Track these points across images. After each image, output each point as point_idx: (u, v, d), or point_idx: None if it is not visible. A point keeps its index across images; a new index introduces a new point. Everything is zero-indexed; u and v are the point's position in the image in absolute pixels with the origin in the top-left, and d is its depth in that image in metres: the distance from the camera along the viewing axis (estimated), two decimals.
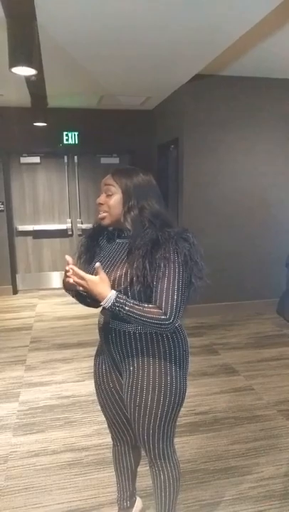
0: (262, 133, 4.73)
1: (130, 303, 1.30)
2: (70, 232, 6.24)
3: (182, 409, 2.86)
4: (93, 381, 1.69)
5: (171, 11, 2.72)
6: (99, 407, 2.77)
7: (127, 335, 1.44)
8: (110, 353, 1.52)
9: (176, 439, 2.50)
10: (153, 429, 1.48)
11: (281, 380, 3.26)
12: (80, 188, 6.15)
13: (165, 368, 1.44)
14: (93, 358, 1.69)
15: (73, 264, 1.35)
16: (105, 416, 1.69)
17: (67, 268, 1.34)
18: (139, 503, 1.90)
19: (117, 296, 1.29)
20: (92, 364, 1.70)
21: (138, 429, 1.51)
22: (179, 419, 2.71)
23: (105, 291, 1.29)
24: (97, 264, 1.33)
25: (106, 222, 1.47)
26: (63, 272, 1.41)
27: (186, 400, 3.01)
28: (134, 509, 1.86)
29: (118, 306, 1.29)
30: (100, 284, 1.29)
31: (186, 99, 4.58)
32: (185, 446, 2.47)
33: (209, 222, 4.74)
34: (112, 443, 1.81)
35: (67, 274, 1.35)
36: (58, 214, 6.20)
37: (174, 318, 1.32)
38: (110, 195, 1.44)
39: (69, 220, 6.19)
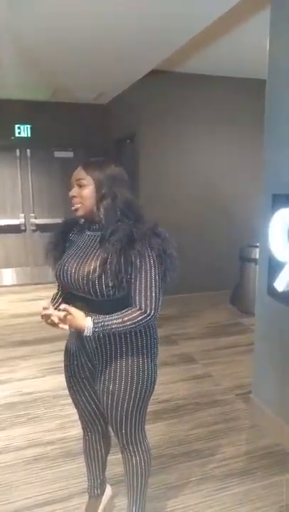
0: (216, 129, 4.89)
1: (108, 321, 1.36)
2: (23, 228, 6.10)
3: None
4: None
5: (126, 8, 2.75)
6: (62, 402, 2.84)
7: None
8: (83, 345, 1.54)
9: None
10: (126, 416, 1.52)
11: (237, 366, 3.42)
12: (34, 182, 6.03)
13: (137, 357, 1.49)
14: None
15: (47, 306, 1.45)
16: (77, 407, 1.71)
17: (43, 313, 1.43)
18: (109, 490, 1.94)
19: (93, 324, 1.36)
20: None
21: (111, 416, 1.54)
22: None
23: (82, 324, 1.37)
24: (63, 306, 1.40)
25: (80, 213, 1.47)
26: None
27: None
28: (104, 496, 1.89)
29: (99, 330, 1.36)
30: (74, 319, 1.37)
31: (142, 95, 4.63)
32: (149, 433, 2.50)
33: (165, 216, 4.79)
34: (82, 433, 1.83)
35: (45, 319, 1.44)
36: (11, 209, 6.03)
37: (154, 312, 1.38)
38: (82, 187, 1.44)
39: (22, 215, 6.05)
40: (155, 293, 1.37)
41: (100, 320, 1.36)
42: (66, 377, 1.68)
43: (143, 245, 1.36)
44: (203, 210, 4.97)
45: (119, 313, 1.37)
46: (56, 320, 1.40)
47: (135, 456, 1.62)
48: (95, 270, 1.38)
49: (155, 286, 1.37)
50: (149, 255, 1.37)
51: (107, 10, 2.79)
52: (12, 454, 2.35)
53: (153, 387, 1.57)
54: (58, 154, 6.04)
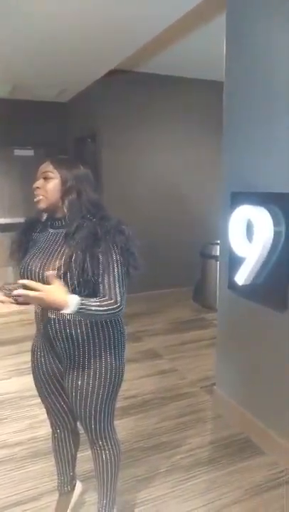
0: (177, 129, 4.98)
1: (90, 302, 1.32)
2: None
3: None
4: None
5: (86, 6, 2.76)
6: (29, 403, 2.82)
7: (66, 322, 1.48)
8: (50, 342, 1.55)
9: None
10: (95, 411, 1.55)
11: (201, 359, 3.52)
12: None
13: (105, 353, 1.52)
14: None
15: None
16: (45, 404, 1.72)
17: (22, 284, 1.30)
18: (79, 486, 1.95)
19: (80, 301, 1.28)
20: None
21: (80, 411, 1.56)
22: None
23: (65, 297, 1.26)
24: (50, 272, 1.31)
25: (42, 205, 1.47)
26: None
27: None
28: (74, 492, 1.91)
29: (83, 310, 1.29)
30: (57, 291, 1.26)
31: (103, 94, 4.64)
32: (118, 428, 2.52)
33: (128, 214, 4.83)
34: (50, 432, 1.83)
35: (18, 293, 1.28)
36: None
37: (123, 304, 1.40)
38: (48, 179, 1.45)
39: None
40: (120, 288, 1.39)
41: (85, 299, 1.31)
42: (34, 375, 1.68)
43: (108, 242, 1.38)
44: (166, 208, 5.05)
45: (96, 298, 1.36)
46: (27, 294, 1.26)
47: (105, 451, 1.65)
48: (60, 268, 1.38)
49: (119, 281, 1.40)
50: (114, 252, 1.39)
51: (68, 10, 2.79)
52: None
53: (121, 382, 1.61)
54: (17, 153, 5.91)
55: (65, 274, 1.37)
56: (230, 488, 2.09)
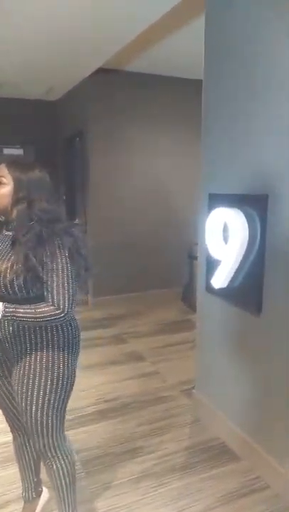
0: (165, 128, 4.94)
1: (21, 310, 1.33)
2: None
3: (91, 398, 2.93)
4: None
5: (71, 6, 2.73)
6: None
7: (16, 324, 1.45)
8: (1, 341, 1.52)
9: (84, 428, 2.57)
10: (41, 418, 1.48)
11: (184, 362, 3.47)
12: None
13: (53, 355, 1.47)
14: None
15: None
16: (1, 408, 1.68)
17: None
18: (45, 493, 1.91)
19: (5, 308, 1.31)
20: None
21: (27, 418, 1.50)
22: (86, 408, 2.80)
23: None
24: None
25: None
26: None
27: (94, 389, 3.08)
28: (40, 500, 1.87)
29: (9, 317, 1.32)
30: None
31: (90, 93, 4.60)
32: (93, 434, 2.53)
33: (115, 214, 4.84)
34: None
35: None
36: None
37: (67, 310, 1.36)
38: (1, 185, 1.43)
39: None
40: (68, 291, 1.36)
41: (13, 307, 1.33)
42: None
43: (53, 244, 1.36)
44: (153, 208, 5.01)
45: (33, 305, 1.35)
46: None
47: (55, 463, 1.57)
48: (6, 270, 1.38)
49: (68, 284, 1.36)
50: (60, 254, 1.36)
51: (53, 10, 2.77)
52: None
53: (70, 389, 1.56)
54: (7, 151, 5.86)
55: (11, 276, 1.36)
56: (203, 495, 2.05)
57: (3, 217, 1.49)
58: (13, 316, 1.33)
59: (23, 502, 1.88)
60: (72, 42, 3.44)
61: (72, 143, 5.39)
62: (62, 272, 1.36)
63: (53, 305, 1.35)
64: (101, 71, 4.31)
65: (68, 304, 1.36)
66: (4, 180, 1.43)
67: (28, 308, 1.33)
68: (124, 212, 4.88)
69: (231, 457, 2.31)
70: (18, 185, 1.42)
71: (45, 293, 1.36)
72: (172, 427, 2.60)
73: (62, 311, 1.35)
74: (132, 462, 2.28)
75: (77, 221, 5.43)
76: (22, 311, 1.33)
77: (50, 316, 1.34)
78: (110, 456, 2.33)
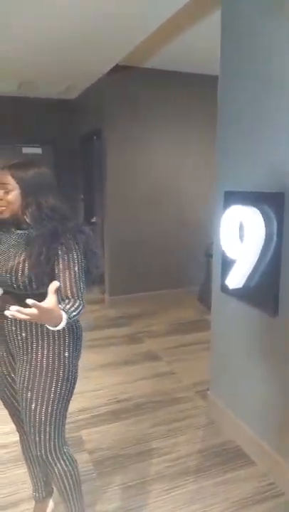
0: (183, 126, 4.88)
1: (70, 308, 1.27)
2: None
3: (104, 398, 2.92)
4: None
5: (87, 3, 2.71)
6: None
7: (21, 321, 1.42)
8: (5, 340, 1.52)
9: (97, 428, 2.56)
10: (39, 417, 1.46)
11: (199, 362, 3.42)
12: None
13: (58, 354, 1.46)
14: None
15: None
16: (5, 406, 1.68)
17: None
18: (56, 493, 1.90)
19: (68, 316, 1.23)
20: None
21: (27, 417, 1.48)
22: (99, 408, 2.78)
23: (59, 316, 1.19)
24: (52, 285, 1.18)
25: (6, 216, 1.47)
26: None
27: (108, 389, 3.07)
28: (51, 499, 1.86)
29: (69, 320, 1.24)
30: (52, 310, 1.15)
31: (108, 90, 4.58)
32: (106, 434, 2.52)
33: (132, 212, 4.81)
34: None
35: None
36: None
37: (83, 302, 1.35)
38: (8, 191, 1.44)
39: None
40: (81, 285, 1.37)
41: (67, 310, 1.26)
42: None
43: (67, 239, 1.37)
44: (170, 206, 4.96)
45: (66, 301, 1.31)
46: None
47: (56, 466, 1.55)
48: (18, 265, 1.38)
49: (80, 278, 1.37)
50: (74, 249, 1.38)
51: (70, 8, 2.77)
52: None
53: (72, 389, 1.54)
54: (25, 150, 5.92)
55: (22, 270, 1.37)
56: (216, 500, 2.00)
57: (15, 219, 1.49)
58: (71, 316, 1.25)
59: (34, 501, 1.88)
60: (88, 40, 3.42)
61: (90, 141, 5.39)
62: (75, 267, 1.36)
63: (75, 299, 1.33)
64: (118, 68, 4.29)
65: (82, 298, 1.36)
66: (10, 186, 1.43)
67: (71, 306, 1.28)
68: (140, 211, 4.85)
69: (246, 461, 2.26)
70: (24, 189, 1.44)
71: (61, 286, 1.33)
72: (186, 428, 2.56)
73: (83, 305, 1.34)
74: (145, 464, 2.25)
75: (94, 220, 5.44)
76: (72, 309, 1.27)
77: (80, 309, 1.30)
78: (123, 458, 2.31)
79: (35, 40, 3.46)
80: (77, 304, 1.31)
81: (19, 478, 2.13)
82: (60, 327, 1.20)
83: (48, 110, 5.63)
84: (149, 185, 4.84)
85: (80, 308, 1.31)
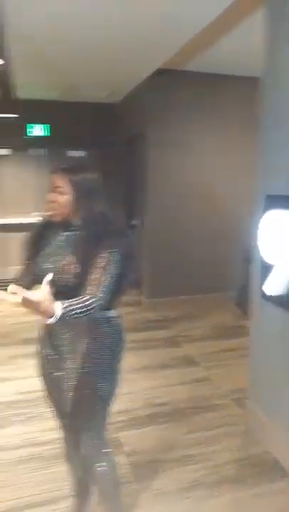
0: (225, 128, 4.83)
1: (73, 305, 1.31)
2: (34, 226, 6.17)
3: (140, 401, 2.95)
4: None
5: (131, 6, 2.75)
6: None
7: (65, 325, 1.50)
8: (50, 339, 1.59)
9: (132, 431, 2.58)
10: (84, 416, 1.52)
11: (238, 369, 3.38)
12: (47, 181, 6.06)
13: (102, 353, 1.52)
14: None
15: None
16: (51, 405, 1.74)
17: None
18: (94, 493, 1.94)
19: (63, 307, 1.28)
20: None
21: (72, 416, 1.54)
22: (135, 411, 2.81)
23: (50, 309, 1.25)
24: (50, 275, 1.31)
25: (56, 218, 1.53)
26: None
27: (144, 392, 3.09)
28: (91, 499, 1.89)
29: (66, 314, 1.29)
30: (42, 303, 1.23)
31: (150, 94, 4.61)
32: (142, 437, 2.54)
33: (171, 215, 4.82)
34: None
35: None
36: (25, 207, 6.11)
37: (98, 297, 1.36)
38: (60, 194, 1.49)
39: (36, 214, 6.11)
40: (105, 285, 1.39)
41: (67, 304, 1.31)
42: (39, 373, 1.70)
43: (110, 242, 1.43)
44: (210, 210, 4.93)
45: (76, 298, 1.35)
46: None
47: (98, 467, 1.59)
48: (66, 264, 1.44)
49: (108, 279, 1.40)
50: (114, 252, 1.43)
51: (112, 11, 2.81)
52: (8, 453, 2.39)
53: (115, 389, 1.58)
54: (71, 154, 6.06)
55: (72, 269, 1.43)
56: None
57: (64, 221, 1.54)
58: (69, 313, 1.30)
59: (72, 500, 1.93)
60: (131, 43, 3.46)
61: (132, 145, 5.44)
62: (109, 266, 1.41)
63: (91, 296, 1.36)
64: (160, 71, 4.30)
65: (101, 292, 1.37)
66: (62, 190, 1.48)
67: (76, 301, 1.33)
68: (180, 214, 4.84)
69: (284, 474, 2.21)
70: (78, 193, 1.48)
71: (88, 279, 1.39)
72: (223, 436, 2.54)
73: (94, 297, 1.35)
74: (182, 470, 2.26)
75: (134, 222, 5.49)
76: (74, 305, 1.32)
77: (87, 305, 1.33)
78: (159, 462, 2.32)
79: (79, 46, 3.53)
80: (87, 301, 1.33)
81: (60, 475, 2.18)
82: (50, 321, 1.25)
83: (92, 114, 5.74)
84: (190, 188, 4.83)
85: (91, 305, 1.33)
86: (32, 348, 3.95)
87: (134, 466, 2.28)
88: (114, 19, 2.98)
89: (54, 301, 1.27)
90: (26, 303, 1.20)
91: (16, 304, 1.19)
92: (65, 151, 6.00)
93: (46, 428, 2.59)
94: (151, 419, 2.72)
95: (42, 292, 1.24)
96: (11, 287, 1.23)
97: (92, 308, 1.35)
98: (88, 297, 1.35)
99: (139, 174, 5.31)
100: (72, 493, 1.89)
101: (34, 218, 6.52)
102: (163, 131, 4.66)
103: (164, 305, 4.85)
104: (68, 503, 1.97)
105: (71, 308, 1.30)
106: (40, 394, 2.94)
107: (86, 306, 1.33)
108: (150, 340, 4.03)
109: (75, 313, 1.32)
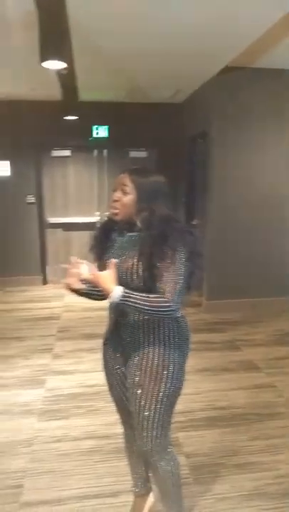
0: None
1: (134, 295, 1.38)
2: (98, 226, 6.33)
3: (200, 403, 2.92)
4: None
5: (199, 5, 2.73)
6: None
7: (133, 321, 1.53)
8: (116, 337, 1.61)
9: (192, 433, 2.56)
10: (148, 414, 1.52)
11: None
12: (109, 182, 6.21)
13: (166, 353, 1.52)
14: None
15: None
16: (113, 400, 1.76)
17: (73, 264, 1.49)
18: (155, 491, 1.94)
19: (123, 292, 1.37)
20: None
21: (136, 413, 1.55)
22: (195, 412, 2.78)
23: (110, 286, 1.37)
24: (113, 260, 1.43)
25: (118, 217, 1.55)
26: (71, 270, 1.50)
27: (204, 395, 3.06)
28: (149, 497, 1.91)
29: (125, 300, 1.37)
30: (107, 279, 1.38)
31: (215, 92, 4.54)
32: (202, 439, 2.51)
33: (234, 216, 4.71)
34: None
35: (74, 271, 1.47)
36: (87, 207, 6.29)
37: (174, 305, 1.39)
38: (125, 194, 1.51)
39: (97, 213, 6.28)
40: (179, 285, 1.40)
41: (129, 292, 1.38)
42: (103, 369, 1.74)
43: (176, 240, 1.42)
44: (272, 210, 4.75)
45: (146, 294, 1.40)
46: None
47: (160, 466, 1.60)
48: (133, 266, 1.46)
49: (181, 281, 1.41)
50: (181, 250, 1.42)
51: (180, 10, 2.80)
52: (69, 444, 2.47)
53: (179, 389, 1.58)
54: (132, 154, 6.16)
55: (137, 270, 1.45)
56: None
57: (128, 222, 1.56)
58: (128, 298, 1.37)
59: (133, 496, 1.95)
60: (198, 42, 3.42)
61: (195, 144, 5.40)
62: (179, 267, 1.41)
63: (163, 297, 1.39)
64: (226, 69, 4.21)
65: (177, 298, 1.39)
66: (128, 189, 1.50)
67: (142, 296, 1.38)
68: (242, 215, 4.72)
69: None
70: (140, 195, 1.50)
71: (159, 284, 1.41)
72: (286, 446, 2.44)
73: (170, 305, 1.38)
74: (243, 477, 2.20)
75: (195, 222, 5.44)
76: (137, 295, 1.38)
77: (160, 306, 1.38)
78: (220, 467, 2.28)
79: (145, 46, 3.54)
80: (158, 299, 1.37)
81: (120, 470, 2.22)
82: (110, 299, 1.38)
83: (156, 114, 5.75)
84: (253, 189, 4.69)
85: (162, 304, 1.37)
86: (96, 343, 4.06)
87: (194, 469, 2.26)
88: (183, 19, 2.97)
89: (116, 284, 1.38)
90: (95, 277, 1.40)
91: (87, 278, 1.44)
92: (128, 151, 6.10)
93: (106, 422, 2.66)
94: (212, 422, 2.68)
95: (107, 271, 1.40)
96: (85, 265, 1.46)
97: (165, 312, 1.38)
98: (164, 300, 1.38)
99: (200, 174, 5.26)
100: (133, 489, 1.91)
101: (95, 218, 6.75)
102: (226, 130, 4.56)
103: (223, 307, 4.76)
104: (128, 498, 2.00)
105: (132, 299, 1.37)
106: (102, 388, 3.04)
107: (159, 307, 1.37)
108: (209, 342, 3.98)
109: (139, 307, 1.37)
